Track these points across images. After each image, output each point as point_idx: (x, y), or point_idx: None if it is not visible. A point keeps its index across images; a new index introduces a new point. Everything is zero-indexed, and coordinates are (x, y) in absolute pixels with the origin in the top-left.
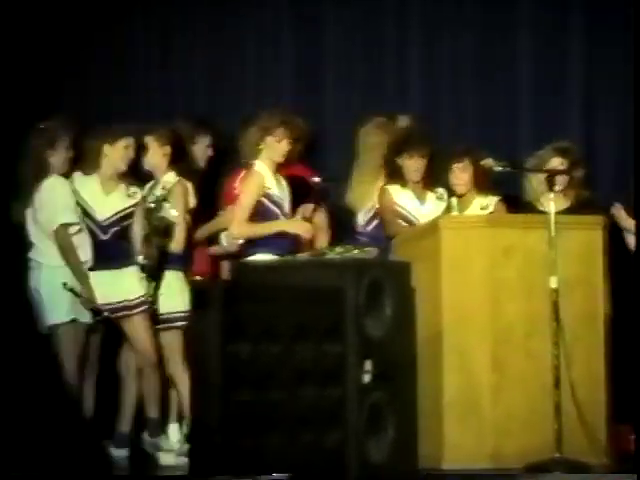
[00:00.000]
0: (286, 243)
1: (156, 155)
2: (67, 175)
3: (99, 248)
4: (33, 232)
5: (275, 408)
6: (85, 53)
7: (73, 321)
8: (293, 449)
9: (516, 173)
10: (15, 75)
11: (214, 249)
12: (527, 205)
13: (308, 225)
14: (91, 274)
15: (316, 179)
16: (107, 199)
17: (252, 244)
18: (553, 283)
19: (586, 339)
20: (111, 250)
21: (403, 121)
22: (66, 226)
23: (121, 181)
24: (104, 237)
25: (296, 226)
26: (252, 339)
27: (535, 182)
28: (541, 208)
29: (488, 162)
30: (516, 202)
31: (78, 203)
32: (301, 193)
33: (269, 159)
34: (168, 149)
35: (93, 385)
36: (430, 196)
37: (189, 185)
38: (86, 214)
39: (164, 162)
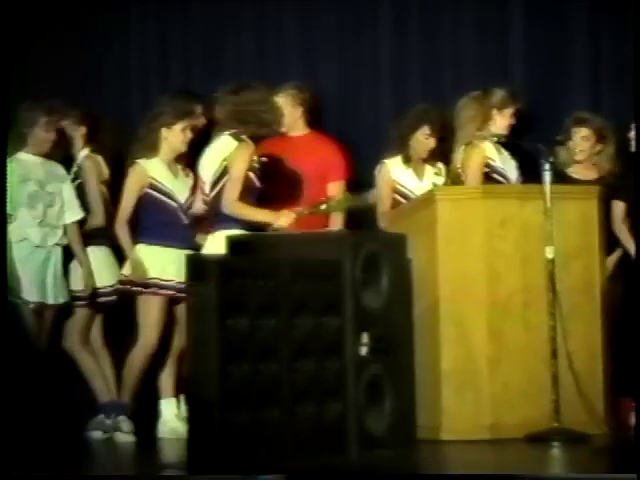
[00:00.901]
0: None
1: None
2: (45, 155)
3: (181, 230)
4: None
5: (274, 381)
6: (75, 36)
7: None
8: (293, 422)
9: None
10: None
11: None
12: (561, 174)
13: (288, 217)
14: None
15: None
16: (177, 182)
17: (227, 218)
18: (549, 254)
19: (583, 310)
20: (188, 232)
21: (498, 94)
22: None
23: (178, 163)
24: (186, 220)
25: (277, 218)
26: (250, 313)
27: (565, 153)
28: (574, 176)
29: (484, 134)
30: None
31: (155, 187)
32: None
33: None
34: (84, 129)
35: None
36: (428, 171)
37: (99, 158)
38: (169, 197)
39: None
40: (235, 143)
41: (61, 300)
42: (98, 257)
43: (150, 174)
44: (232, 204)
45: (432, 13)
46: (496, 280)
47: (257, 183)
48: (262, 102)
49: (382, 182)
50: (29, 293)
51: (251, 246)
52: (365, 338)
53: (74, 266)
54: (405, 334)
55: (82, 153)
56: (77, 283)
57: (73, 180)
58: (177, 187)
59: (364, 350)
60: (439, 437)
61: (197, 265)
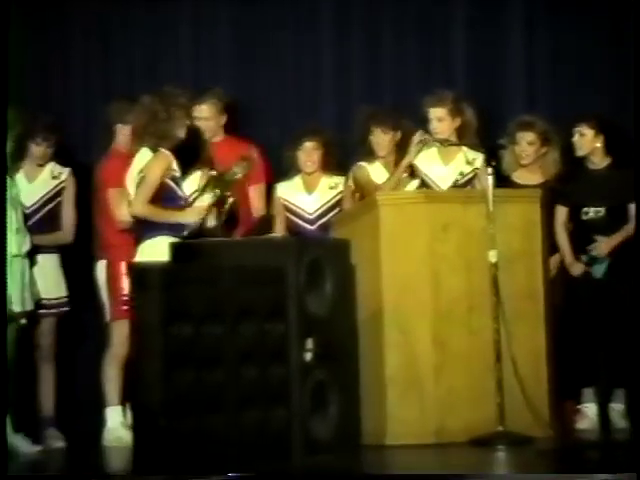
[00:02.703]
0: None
1: None
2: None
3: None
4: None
5: (219, 388)
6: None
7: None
8: (238, 429)
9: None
10: None
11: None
12: (506, 179)
13: (196, 212)
14: None
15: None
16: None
17: (152, 227)
18: (492, 257)
19: (527, 313)
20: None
21: None
22: None
23: None
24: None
25: (189, 216)
26: (194, 320)
27: (508, 156)
28: (517, 181)
29: (422, 136)
30: None
31: (174, 179)
32: None
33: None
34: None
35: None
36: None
37: None
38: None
39: None
40: (151, 155)
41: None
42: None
43: (172, 165)
44: (138, 205)
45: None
46: (439, 285)
47: (179, 192)
48: (164, 114)
49: (361, 183)
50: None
51: (194, 253)
52: (310, 344)
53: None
54: (350, 340)
55: (64, 170)
56: (45, 291)
57: (55, 197)
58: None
59: (309, 356)
60: (384, 442)
61: (140, 273)
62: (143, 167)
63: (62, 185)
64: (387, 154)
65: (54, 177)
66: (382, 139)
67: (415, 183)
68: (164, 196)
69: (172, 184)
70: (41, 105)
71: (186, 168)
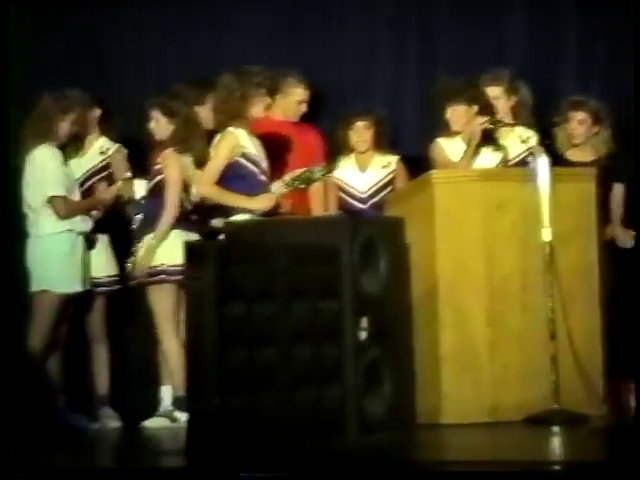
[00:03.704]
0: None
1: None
2: (65, 146)
3: None
4: (25, 202)
5: (272, 367)
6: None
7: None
8: (291, 407)
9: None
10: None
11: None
12: (559, 157)
13: (270, 199)
14: None
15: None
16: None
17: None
18: (547, 236)
19: (581, 291)
20: None
21: None
22: (58, 198)
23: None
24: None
25: (258, 203)
26: (247, 299)
27: (561, 135)
28: (571, 158)
29: (481, 121)
30: (417, 161)
31: (246, 156)
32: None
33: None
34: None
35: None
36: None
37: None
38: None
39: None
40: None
41: (86, 287)
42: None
43: (242, 142)
44: (204, 186)
45: None
46: (494, 263)
47: (253, 168)
48: (238, 92)
49: (438, 157)
50: (71, 284)
51: (248, 231)
52: (364, 323)
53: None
54: (404, 318)
55: (113, 146)
56: (98, 270)
57: (101, 170)
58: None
59: (363, 335)
60: (438, 420)
61: (194, 252)
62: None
63: (107, 160)
64: (463, 128)
65: (102, 152)
66: (454, 113)
67: (497, 157)
68: (233, 174)
69: (243, 161)
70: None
71: None
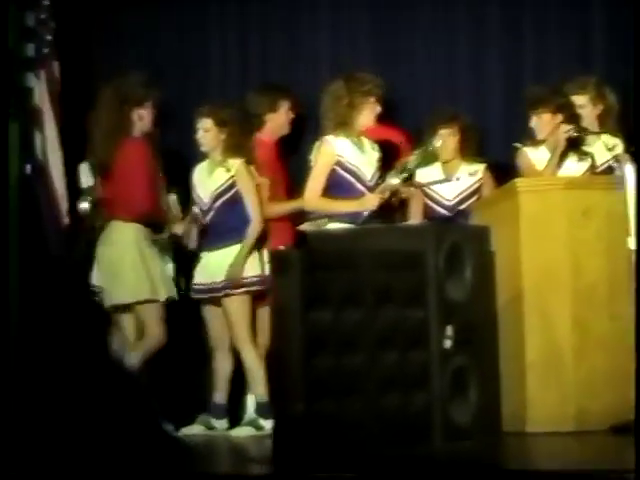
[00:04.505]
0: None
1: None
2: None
3: None
4: None
5: (358, 373)
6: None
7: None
8: (377, 413)
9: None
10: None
11: (305, 226)
12: None
13: (374, 199)
14: None
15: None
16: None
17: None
18: (631, 244)
19: None
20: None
21: None
22: None
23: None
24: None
25: (363, 204)
26: (333, 305)
27: None
28: None
29: (567, 129)
30: (503, 169)
31: (342, 165)
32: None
33: (352, 126)
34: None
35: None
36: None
37: None
38: (355, 175)
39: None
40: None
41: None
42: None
43: (337, 151)
44: (309, 200)
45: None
46: (579, 270)
47: (350, 178)
48: (346, 100)
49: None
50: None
51: (332, 238)
52: (449, 331)
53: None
54: (489, 325)
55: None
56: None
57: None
58: (364, 164)
59: (448, 343)
60: (524, 429)
61: (280, 259)
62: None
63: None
64: (548, 136)
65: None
66: (540, 121)
67: (585, 165)
68: (332, 183)
69: (340, 170)
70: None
71: None
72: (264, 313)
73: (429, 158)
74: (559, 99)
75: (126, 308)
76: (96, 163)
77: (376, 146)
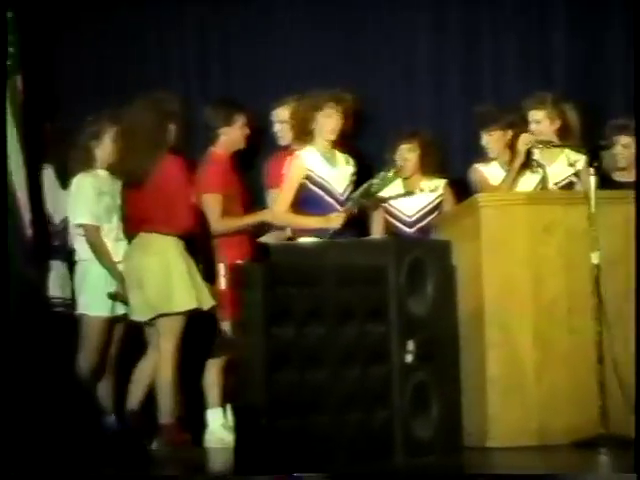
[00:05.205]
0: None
1: None
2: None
3: None
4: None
5: (321, 389)
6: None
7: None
8: (339, 429)
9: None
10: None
11: (265, 238)
12: (608, 179)
13: (339, 218)
14: None
15: None
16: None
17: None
18: (594, 259)
19: (628, 315)
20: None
21: None
22: (92, 226)
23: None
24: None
25: (328, 221)
26: (296, 321)
27: (608, 157)
28: (619, 180)
29: (527, 139)
30: (464, 185)
31: (311, 179)
32: None
33: (319, 137)
34: None
35: (112, 380)
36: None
37: None
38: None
39: None
40: None
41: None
42: None
43: (307, 165)
44: (279, 214)
45: None
46: (541, 285)
47: (319, 192)
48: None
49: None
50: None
51: (295, 253)
52: (411, 345)
53: None
54: (450, 340)
55: None
56: None
57: None
58: (334, 178)
59: (410, 357)
60: (486, 444)
61: (242, 273)
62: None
63: None
64: (499, 154)
65: None
66: (490, 139)
67: (536, 179)
68: (303, 198)
69: (310, 185)
70: None
71: None
72: None
73: (391, 180)
74: (508, 116)
75: (152, 320)
76: (124, 176)
77: (351, 160)
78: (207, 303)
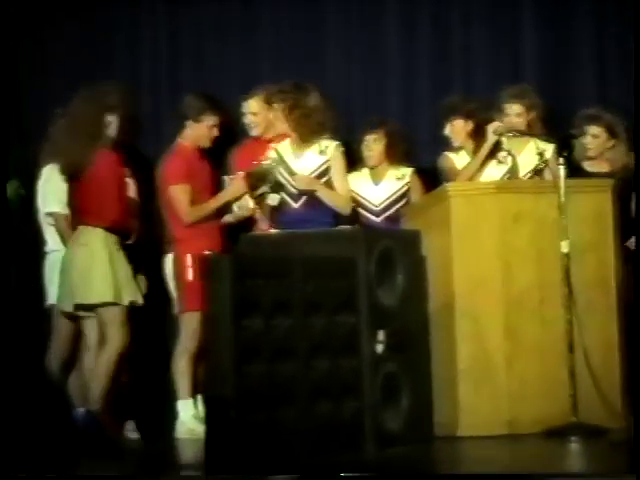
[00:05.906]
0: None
1: None
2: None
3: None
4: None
5: (290, 380)
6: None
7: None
8: (309, 420)
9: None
10: None
11: (227, 218)
12: (577, 168)
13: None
14: None
15: None
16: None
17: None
18: (564, 248)
19: (599, 304)
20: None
21: None
22: (61, 214)
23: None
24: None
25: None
26: (265, 313)
27: (578, 147)
28: (588, 169)
29: (497, 126)
30: (432, 174)
31: None
32: None
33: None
34: None
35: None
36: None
37: None
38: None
39: None
40: None
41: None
42: None
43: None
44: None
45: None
46: (511, 275)
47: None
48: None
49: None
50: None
51: (264, 244)
52: (381, 336)
53: None
54: (421, 331)
55: None
56: None
57: None
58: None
59: (380, 348)
60: (456, 433)
61: (210, 265)
62: None
63: None
64: (463, 143)
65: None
66: (452, 129)
67: (503, 169)
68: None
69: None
70: None
71: None
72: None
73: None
74: (469, 106)
75: (89, 311)
76: (65, 168)
77: (330, 149)
78: (135, 298)
